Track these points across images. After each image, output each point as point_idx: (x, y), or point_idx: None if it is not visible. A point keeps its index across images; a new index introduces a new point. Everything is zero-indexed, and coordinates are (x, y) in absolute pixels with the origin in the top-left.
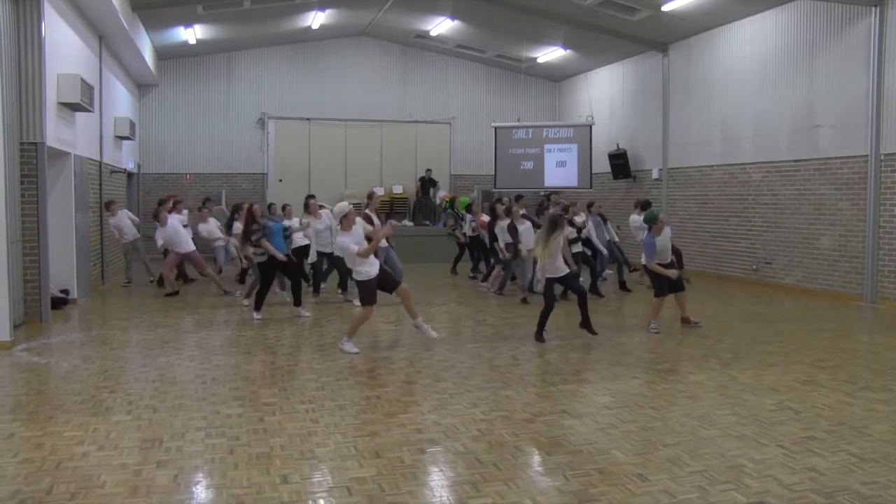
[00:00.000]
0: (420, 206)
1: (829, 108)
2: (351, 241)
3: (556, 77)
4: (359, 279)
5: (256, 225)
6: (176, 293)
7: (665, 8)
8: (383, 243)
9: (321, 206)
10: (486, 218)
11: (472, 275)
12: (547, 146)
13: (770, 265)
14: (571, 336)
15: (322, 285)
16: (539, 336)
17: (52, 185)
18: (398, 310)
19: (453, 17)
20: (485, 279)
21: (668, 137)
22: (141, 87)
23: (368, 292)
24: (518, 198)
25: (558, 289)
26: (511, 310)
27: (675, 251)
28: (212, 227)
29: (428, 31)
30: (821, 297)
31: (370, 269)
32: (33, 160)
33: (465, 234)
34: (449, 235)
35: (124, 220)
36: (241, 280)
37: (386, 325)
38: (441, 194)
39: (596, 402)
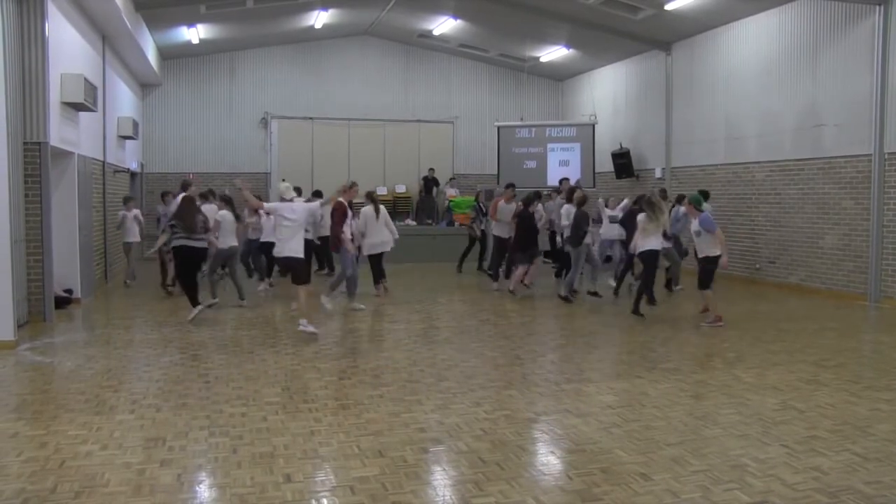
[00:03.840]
0: (423, 205)
1: (833, 107)
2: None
3: (559, 76)
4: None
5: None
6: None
7: (668, 7)
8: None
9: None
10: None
11: (490, 272)
12: (550, 145)
13: (773, 264)
14: (574, 335)
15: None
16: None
17: (55, 185)
18: (399, 309)
19: (456, 17)
20: (497, 277)
21: (671, 136)
22: (144, 86)
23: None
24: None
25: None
26: (514, 308)
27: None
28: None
29: (431, 31)
30: (824, 297)
31: (282, 245)
32: (37, 160)
33: (482, 230)
34: (468, 227)
35: (131, 219)
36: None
37: (389, 325)
38: (450, 192)
39: (599, 401)
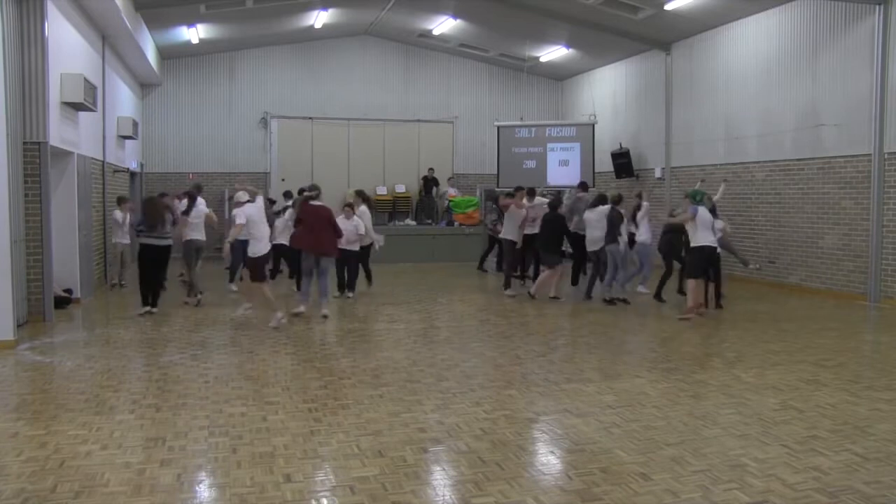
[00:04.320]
0: (423, 205)
1: (833, 106)
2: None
3: (559, 76)
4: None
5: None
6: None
7: (668, 7)
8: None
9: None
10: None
11: (484, 268)
12: (549, 145)
13: (773, 264)
14: (574, 335)
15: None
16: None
17: (55, 185)
18: (399, 309)
19: (456, 17)
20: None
21: (671, 136)
22: (144, 86)
23: (258, 269)
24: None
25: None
26: (514, 308)
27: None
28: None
29: (430, 31)
30: (824, 297)
31: (260, 246)
32: (36, 160)
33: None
34: (490, 229)
35: (120, 220)
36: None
37: (389, 325)
38: (451, 192)
39: (599, 401)
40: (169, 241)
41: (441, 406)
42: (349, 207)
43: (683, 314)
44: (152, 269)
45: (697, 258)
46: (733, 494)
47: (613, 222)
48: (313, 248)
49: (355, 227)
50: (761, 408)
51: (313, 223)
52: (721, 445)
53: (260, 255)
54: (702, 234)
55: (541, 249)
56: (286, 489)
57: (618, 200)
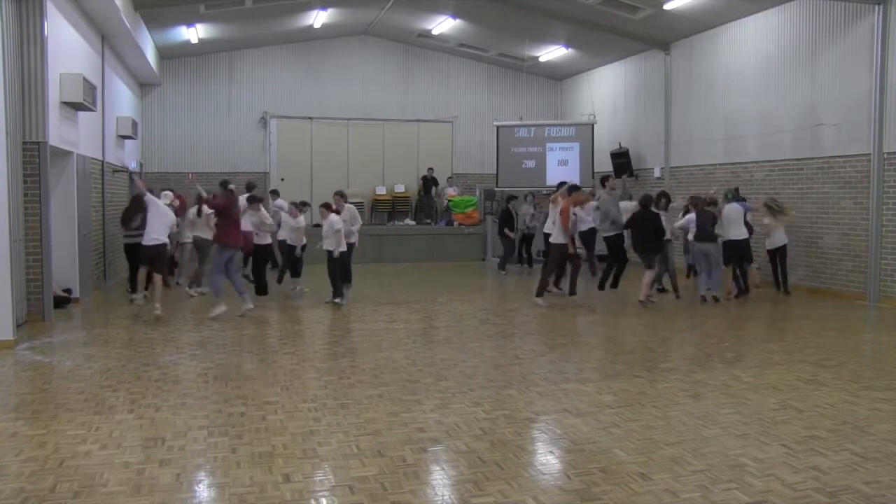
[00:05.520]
0: (422, 205)
1: (832, 106)
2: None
3: (558, 76)
4: None
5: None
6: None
7: (667, 6)
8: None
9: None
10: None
11: (504, 271)
12: (549, 145)
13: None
14: (574, 335)
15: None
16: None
17: (54, 185)
18: (399, 309)
19: (455, 17)
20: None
21: (670, 136)
22: (143, 86)
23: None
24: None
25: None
26: (514, 308)
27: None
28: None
29: (430, 31)
30: (824, 296)
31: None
32: (36, 159)
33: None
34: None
35: None
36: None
37: (387, 325)
38: (450, 191)
39: (598, 400)
40: (136, 239)
41: (440, 406)
42: (325, 208)
43: (726, 294)
44: (132, 264)
45: (727, 250)
46: (733, 494)
47: (704, 223)
48: (244, 245)
49: (331, 224)
50: (761, 407)
51: (238, 220)
52: (720, 445)
53: (158, 244)
54: (727, 230)
55: (638, 251)
56: (285, 489)
57: (713, 202)
